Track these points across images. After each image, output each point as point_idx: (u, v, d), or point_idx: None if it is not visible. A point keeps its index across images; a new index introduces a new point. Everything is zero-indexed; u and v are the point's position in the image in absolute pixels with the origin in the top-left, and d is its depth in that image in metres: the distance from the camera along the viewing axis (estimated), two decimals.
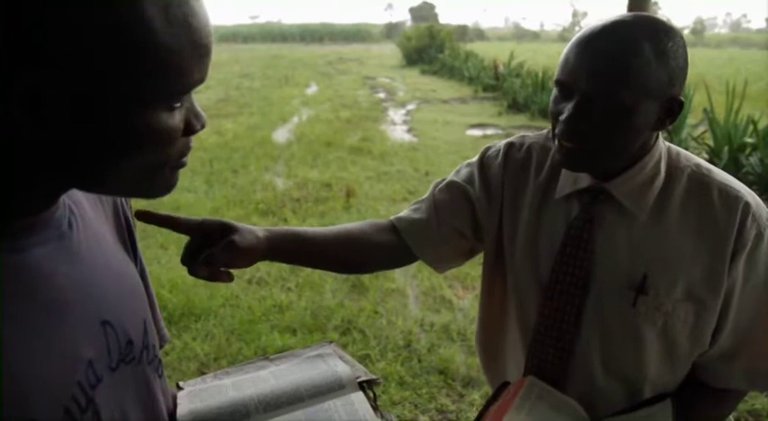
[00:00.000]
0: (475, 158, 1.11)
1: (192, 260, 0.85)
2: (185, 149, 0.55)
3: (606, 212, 0.95)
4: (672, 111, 0.87)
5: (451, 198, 1.09)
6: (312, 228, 1.08)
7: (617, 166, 0.93)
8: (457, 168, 1.13)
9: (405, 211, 1.13)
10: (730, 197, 0.91)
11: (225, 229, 0.87)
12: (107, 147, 0.49)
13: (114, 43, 0.45)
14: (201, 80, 0.52)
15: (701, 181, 0.93)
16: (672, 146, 0.99)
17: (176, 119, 0.51)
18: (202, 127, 0.55)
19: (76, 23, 0.43)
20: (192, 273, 0.85)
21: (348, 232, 1.06)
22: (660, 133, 0.95)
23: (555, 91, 0.90)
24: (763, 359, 0.96)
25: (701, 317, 0.92)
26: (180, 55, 0.48)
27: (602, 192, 0.95)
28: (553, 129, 0.91)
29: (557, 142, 0.90)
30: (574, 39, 0.87)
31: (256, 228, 0.93)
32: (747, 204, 0.90)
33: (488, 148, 1.11)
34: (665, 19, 0.89)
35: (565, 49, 0.88)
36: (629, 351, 0.95)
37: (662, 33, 0.83)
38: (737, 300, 0.92)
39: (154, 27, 0.46)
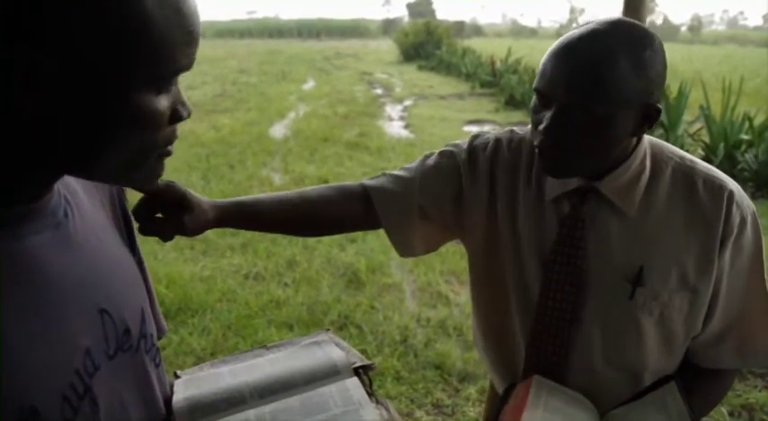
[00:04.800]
0: (463, 144, 1.09)
1: (143, 215, 0.88)
2: (171, 137, 0.56)
3: (596, 210, 0.96)
4: (649, 117, 0.88)
5: (437, 180, 1.07)
6: (269, 194, 1.08)
7: (601, 170, 0.94)
8: (441, 150, 1.10)
9: (383, 181, 1.10)
10: (715, 186, 0.93)
11: (182, 202, 0.90)
12: (98, 128, 0.49)
13: (108, 23, 0.45)
14: (188, 66, 0.53)
15: (685, 172, 0.95)
16: (653, 139, 1.00)
17: (164, 104, 0.52)
18: (188, 115, 0.56)
19: (73, 2, 0.44)
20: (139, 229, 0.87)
21: (307, 199, 1.06)
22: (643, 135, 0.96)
23: (534, 98, 0.91)
24: (751, 337, 1.00)
25: (695, 305, 0.95)
26: (171, 38, 0.49)
27: (591, 191, 0.96)
28: (534, 137, 0.92)
29: (537, 151, 0.91)
30: (552, 47, 0.87)
31: (209, 205, 0.95)
32: (731, 192, 0.93)
33: (476, 137, 1.10)
34: (644, 23, 0.89)
35: (543, 57, 0.88)
36: (629, 342, 0.97)
37: (638, 42, 0.83)
38: (726, 285, 0.95)
39: (147, 9, 0.47)
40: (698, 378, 1.02)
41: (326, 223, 1.11)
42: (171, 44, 0.49)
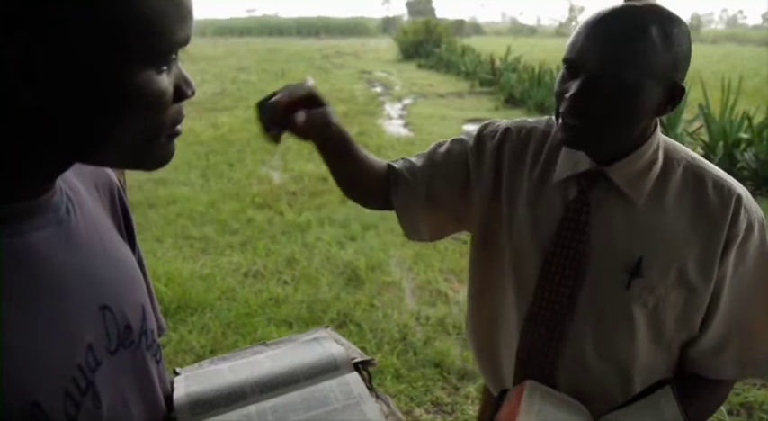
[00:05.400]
0: (473, 132, 1.12)
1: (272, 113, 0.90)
2: (178, 117, 0.56)
3: (604, 196, 0.97)
4: (673, 96, 0.90)
5: (446, 168, 1.10)
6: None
7: (618, 150, 0.95)
8: (453, 138, 1.13)
9: (400, 164, 1.14)
10: (724, 190, 0.94)
11: (311, 98, 0.93)
12: (100, 111, 0.49)
13: (99, 4, 0.45)
14: (185, 41, 0.53)
15: (696, 173, 0.96)
16: (667, 138, 1.01)
17: (165, 82, 0.52)
18: (193, 93, 0.56)
19: None
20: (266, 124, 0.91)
21: (366, 160, 1.09)
22: (659, 123, 0.97)
23: (562, 70, 0.92)
24: (751, 347, 0.99)
25: (690, 303, 0.95)
26: (164, 14, 0.49)
27: (600, 176, 0.97)
28: (557, 109, 0.93)
29: (561, 120, 0.92)
30: (583, 22, 0.89)
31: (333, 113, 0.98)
32: (740, 197, 0.94)
33: (486, 125, 1.12)
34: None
35: (574, 30, 0.90)
36: (620, 333, 0.98)
37: (668, 19, 0.86)
38: (727, 289, 0.95)
39: None
40: (696, 386, 1.02)
41: (364, 190, 1.14)
42: (165, 20, 0.49)
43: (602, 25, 0.86)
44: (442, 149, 1.12)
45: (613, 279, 0.95)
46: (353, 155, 1.05)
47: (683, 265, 0.93)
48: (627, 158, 0.94)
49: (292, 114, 0.90)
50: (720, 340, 0.98)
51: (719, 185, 0.94)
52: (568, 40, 0.90)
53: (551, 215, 1.00)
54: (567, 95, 0.88)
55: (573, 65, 0.89)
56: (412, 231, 1.14)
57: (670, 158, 0.97)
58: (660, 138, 0.97)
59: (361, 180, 1.10)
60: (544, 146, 1.04)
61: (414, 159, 1.14)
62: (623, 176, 0.95)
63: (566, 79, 0.90)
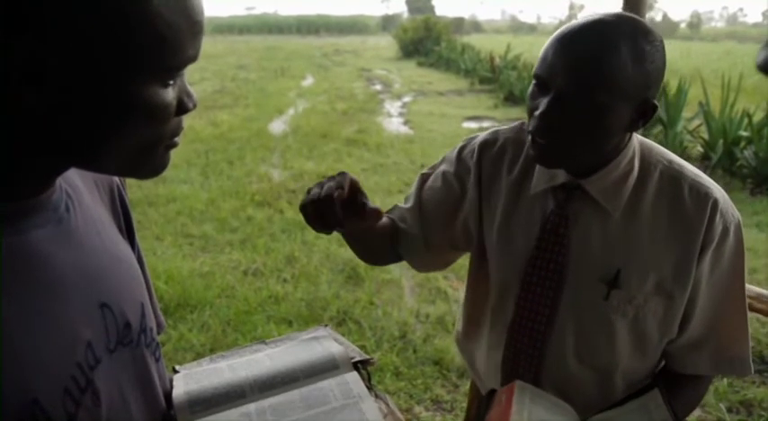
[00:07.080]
0: (453, 155, 1.11)
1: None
2: (177, 129, 0.56)
3: (581, 209, 0.97)
4: (645, 113, 0.88)
5: (438, 203, 1.10)
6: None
7: (591, 164, 0.94)
8: (440, 169, 1.12)
9: (396, 217, 1.14)
10: (700, 193, 0.93)
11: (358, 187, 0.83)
12: (103, 120, 0.49)
13: (113, 14, 0.45)
14: (195, 57, 0.52)
15: (672, 176, 0.95)
16: (644, 140, 1.00)
17: (170, 96, 0.52)
18: (194, 106, 0.56)
19: None
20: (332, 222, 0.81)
21: (382, 233, 1.11)
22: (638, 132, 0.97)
23: (532, 85, 0.91)
24: (727, 346, 1.01)
25: (670, 310, 0.96)
26: (176, 29, 0.49)
27: (577, 189, 0.96)
28: (528, 125, 0.92)
29: (530, 138, 0.91)
30: (554, 34, 0.87)
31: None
32: (716, 201, 0.93)
33: (464, 146, 1.11)
34: (645, 20, 0.89)
35: (545, 43, 0.88)
36: (601, 342, 0.98)
37: (641, 36, 0.84)
38: (704, 292, 0.96)
39: (152, 0, 0.46)
40: (677, 384, 1.03)
41: (380, 257, 1.18)
42: (177, 35, 0.49)
43: (573, 42, 0.84)
44: (428, 187, 1.12)
45: (592, 290, 0.96)
46: (376, 230, 1.07)
47: (660, 273, 0.94)
48: (602, 171, 0.94)
49: (350, 205, 0.81)
50: (697, 340, 0.99)
51: (695, 189, 0.94)
52: (540, 53, 0.88)
53: (530, 227, 1.00)
54: (536, 113, 0.87)
55: (542, 81, 0.87)
56: (422, 268, 1.18)
57: (646, 163, 0.96)
58: (635, 145, 0.96)
59: (379, 247, 1.13)
60: (520, 156, 1.04)
61: (404, 207, 1.14)
62: (599, 189, 0.94)
63: (535, 95, 0.89)
